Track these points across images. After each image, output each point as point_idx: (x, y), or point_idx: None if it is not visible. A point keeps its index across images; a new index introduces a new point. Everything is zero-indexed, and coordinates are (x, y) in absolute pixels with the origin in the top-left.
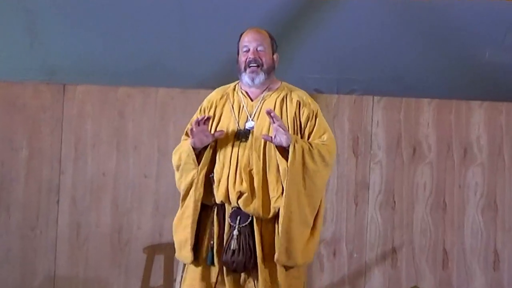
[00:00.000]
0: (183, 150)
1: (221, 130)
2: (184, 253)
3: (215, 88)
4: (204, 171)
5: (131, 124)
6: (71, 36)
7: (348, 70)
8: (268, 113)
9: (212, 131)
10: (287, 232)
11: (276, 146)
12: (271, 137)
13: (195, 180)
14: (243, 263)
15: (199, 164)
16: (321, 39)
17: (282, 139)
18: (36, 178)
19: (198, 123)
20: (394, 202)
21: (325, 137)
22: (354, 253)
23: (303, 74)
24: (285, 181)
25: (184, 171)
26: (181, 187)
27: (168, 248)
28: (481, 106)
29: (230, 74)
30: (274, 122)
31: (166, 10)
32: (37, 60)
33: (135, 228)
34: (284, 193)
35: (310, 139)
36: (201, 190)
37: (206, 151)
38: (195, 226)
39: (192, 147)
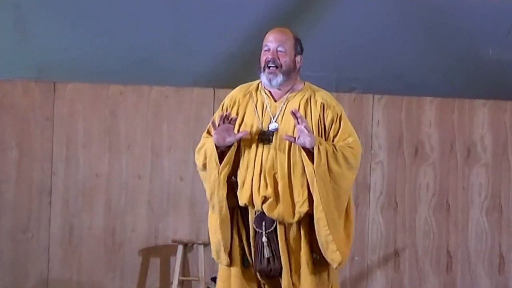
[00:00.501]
0: (207, 147)
1: (245, 130)
2: (221, 255)
3: (211, 87)
4: (225, 171)
5: (124, 123)
6: (61, 32)
7: (347, 68)
8: (293, 113)
9: (235, 130)
10: (327, 234)
11: (303, 148)
12: (294, 137)
13: (217, 181)
14: (280, 270)
15: (221, 163)
16: (319, 36)
17: (305, 141)
18: (27, 179)
19: (223, 120)
20: (396, 203)
21: (350, 140)
22: (356, 256)
23: (301, 72)
24: (313, 184)
25: (210, 169)
26: (208, 186)
27: (164, 250)
28: (484, 105)
29: (227, 73)
30: (299, 123)
31: (160, 5)
32: (26, 57)
33: (129, 230)
34: (314, 197)
35: (334, 142)
36: (224, 190)
37: (230, 151)
38: (225, 228)
39: (215, 146)
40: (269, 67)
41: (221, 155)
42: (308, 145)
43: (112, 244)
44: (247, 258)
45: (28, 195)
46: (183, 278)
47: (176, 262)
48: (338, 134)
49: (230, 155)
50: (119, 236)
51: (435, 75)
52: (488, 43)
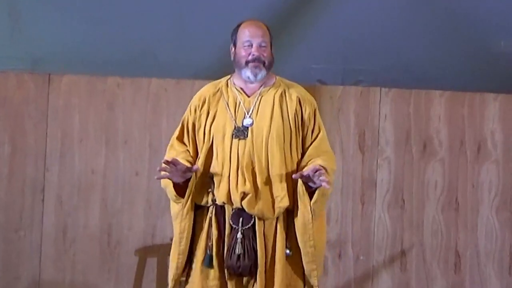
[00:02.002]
0: (166, 184)
1: (196, 165)
2: (170, 282)
3: (211, 79)
4: (189, 203)
5: (121, 118)
6: (57, 22)
7: (354, 60)
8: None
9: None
10: (313, 269)
11: (305, 186)
12: (304, 174)
13: (181, 213)
14: (249, 267)
15: (185, 194)
16: (325, 26)
17: (324, 183)
18: (19, 176)
19: (169, 165)
20: (403, 201)
21: (320, 135)
22: (361, 255)
23: (306, 64)
24: (309, 226)
25: (171, 201)
26: (171, 211)
27: (161, 250)
28: (496, 98)
29: (228, 64)
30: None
31: None
32: (20, 48)
33: (125, 229)
34: (304, 232)
35: (306, 139)
36: (186, 221)
37: (190, 183)
38: (182, 259)
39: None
40: (253, 62)
41: (185, 183)
42: (322, 186)
43: (108, 243)
44: (212, 258)
45: (20, 192)
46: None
47: None
48: (314, 129)
49: (191, 187)
50: (115, 235)
51: (445, 67)
52: (500, 35)
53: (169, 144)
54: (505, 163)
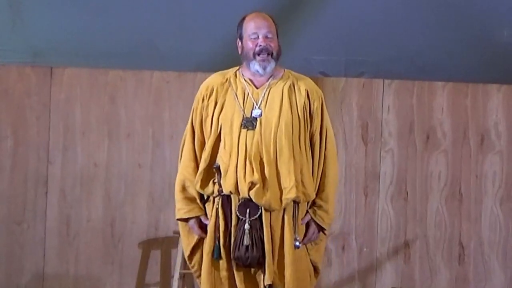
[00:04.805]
0: (183, 234)
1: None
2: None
3: (213, 71)
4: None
5: (124, 110)
6: (58, 14)
7: (356, 51)
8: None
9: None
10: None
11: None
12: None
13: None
14: (257, 258)
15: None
16: (327, 18)
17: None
18: (22, 168)
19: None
20: (407, 193)
21: (329, 135)
22: (364, 247)
23: (308, 56)
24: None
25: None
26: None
27: (165, 243)
28: (499, 89)
29: (230, 56)
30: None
31: None
32: (21, 40)
33: (129, 222)
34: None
35: (314, 135)
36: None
37: (208, 143)
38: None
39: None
40: (260, 55)
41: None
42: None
43: (111, 236)
44: (219, 250)
45: (24, 185)
46: (185, 271)
47: (178, 255)
48: (322, 126)
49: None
50: (118, 227)
51: (447, 58)
52: (503, 25)
53: (181, 156)
54: (509, 154)
